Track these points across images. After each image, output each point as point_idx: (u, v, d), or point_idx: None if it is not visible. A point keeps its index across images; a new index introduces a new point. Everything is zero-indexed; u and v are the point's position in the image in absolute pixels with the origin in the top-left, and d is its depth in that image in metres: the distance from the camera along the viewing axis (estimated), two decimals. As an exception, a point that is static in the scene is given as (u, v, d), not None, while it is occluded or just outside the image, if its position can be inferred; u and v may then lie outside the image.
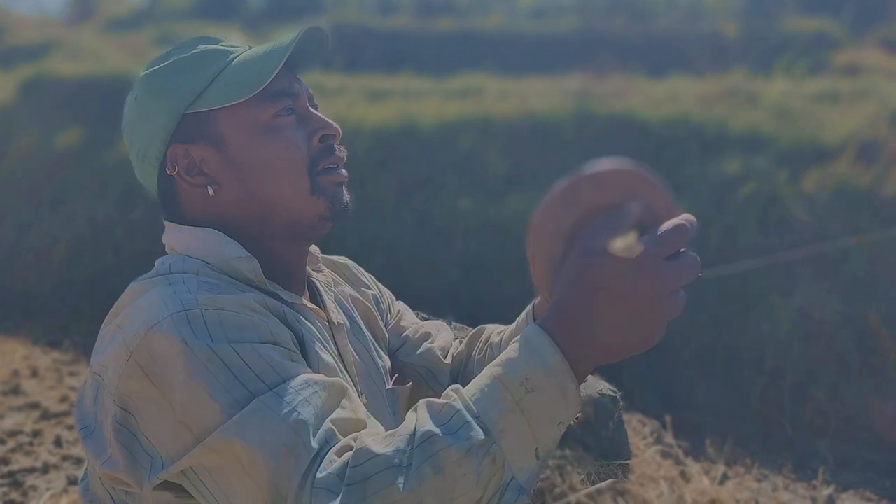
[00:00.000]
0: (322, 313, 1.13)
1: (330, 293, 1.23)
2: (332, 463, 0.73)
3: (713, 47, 11.84)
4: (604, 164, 0.85)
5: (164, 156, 1.09)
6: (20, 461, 4.99)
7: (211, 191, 1.06)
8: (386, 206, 8.42)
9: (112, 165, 8.62)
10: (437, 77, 10.91)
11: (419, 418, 0.76)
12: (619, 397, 2.84)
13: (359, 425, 0.80)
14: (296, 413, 0.76)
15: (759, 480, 4.95)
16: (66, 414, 5.89)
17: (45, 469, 4.85)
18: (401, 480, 0.70)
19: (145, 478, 0.84)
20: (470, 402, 0.77)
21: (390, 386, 1.20)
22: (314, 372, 0.89)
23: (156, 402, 0.83)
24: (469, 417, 0.75)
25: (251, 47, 1.15)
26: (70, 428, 5.59)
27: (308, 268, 1.21)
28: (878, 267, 6.47)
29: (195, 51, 1.13)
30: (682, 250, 0.81)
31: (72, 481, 4.45)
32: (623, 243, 0.74)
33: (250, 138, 1.06)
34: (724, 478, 4.69)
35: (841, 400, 6.04)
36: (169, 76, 1.11)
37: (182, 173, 1.08)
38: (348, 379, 1.07)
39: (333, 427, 0.77)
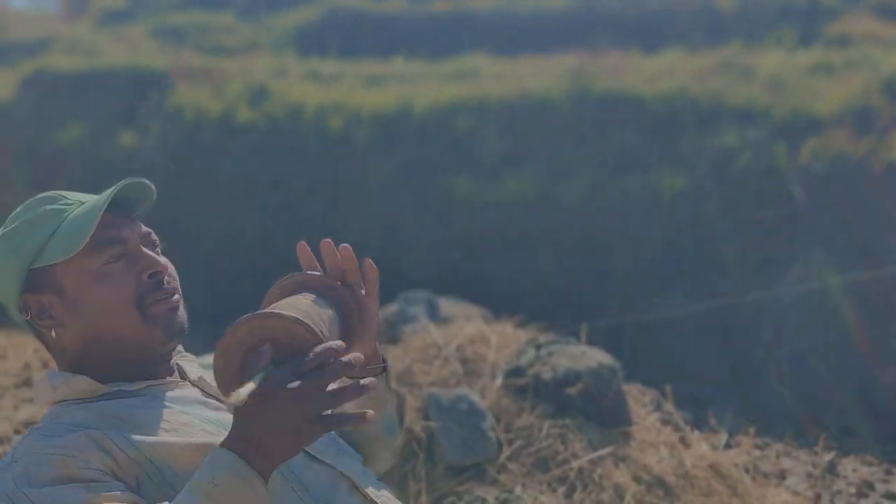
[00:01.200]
0: (175, 379, 1.29)
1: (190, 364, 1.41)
2: None
3: (708, 21, 11.84)
4: (242, 320, 1.02)
5: (21, 304, 1.25)
6: (36, 451, 5.08)
7: (54, 333, 1.24)
8: (385, 188, 8.48)
9: (112, 158, 8.69)
10: (432, 60, 10.93)
11: None
12: (617, 368, 2.93)
13: None
14: None
15: (760, 448, 5.04)
16: (78, 404, 5.99)
17: (61, 458, 4.94)
18: None
19: None
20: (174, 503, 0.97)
21: None
22: (147, 450, 1.11)
23: None
24: None
25: (84, 203, 1.29)
26: (83, 417, 5.68)
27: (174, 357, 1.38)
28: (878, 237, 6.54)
29: (38, 212, 1.26)
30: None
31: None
32: (234, 397, 0.93)
33: (84, 285, 1.22)
34: (727, 446, 4.79)
35: (841, 368, 6.12)
36: (15, 237, 1.25)
37: (35, 318, 1.25)
38: (214, 419, 1.23)
39: None
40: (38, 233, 1.23)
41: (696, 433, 3.11)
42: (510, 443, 2.50)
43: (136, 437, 1.11)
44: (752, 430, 3.25)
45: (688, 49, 9.91)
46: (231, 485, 0.96)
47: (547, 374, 2.74)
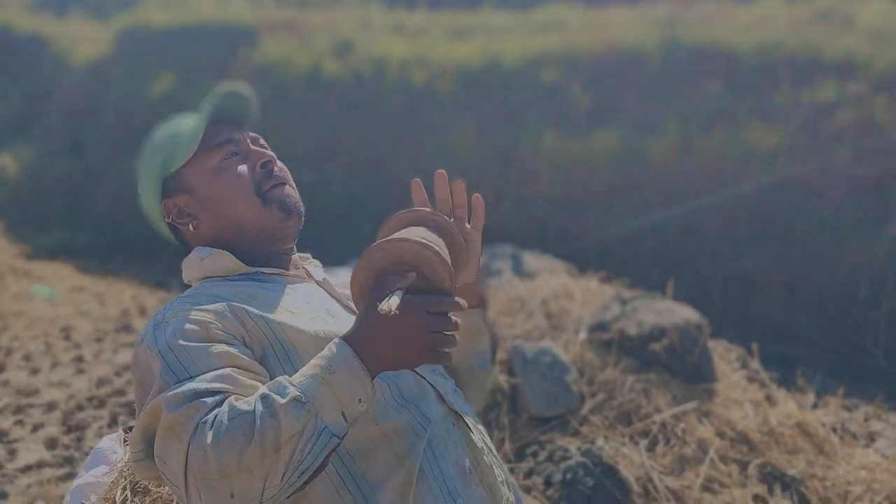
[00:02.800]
0: (303, 275, 1.48)
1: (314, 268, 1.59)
2: (215, 415, 1.06)
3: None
4: (410, 243, 1.14)
5: (162, 211, 1.48)
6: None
7: (192, 227, 1.45)
8: (470, 143, 8.46)
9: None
10: (520, 10, 10.78)
11: (261, 389, 1.09)
12: (704, 324, 2.91)
13: (239, 394, 1.11)
14: (200, 389, 1.10)
15: (849, 410, 4.94)
16: (174, 348, 6.24)
17: (159, 399, 5.16)
18: (249, 421, 1.03)
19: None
20: (292, 379, 1.10)
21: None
22: (273, 325, 1.26)
23: (138, 387, 1.24)
24: (291, 386, 1.08)
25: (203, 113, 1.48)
26: (179, 361, 5.93)
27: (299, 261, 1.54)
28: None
29: (160, 135, 1.50)
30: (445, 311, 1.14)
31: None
32: (385, 305, 1.06)
33: (208, 181, 1.43)
34: (814, 407, 4.70)
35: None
36: (147, 160, 1.49)
37: (175, 219, 1.47)
38: (335, 312, 1.38)
39: (222, 396, 1.10)
40: (163, 149, 1.45)
41: (783, 392, 3.06)
42: (593, 396, 2.52)
43: (268, 315, 1.26)
44: (840, 391, 3.17)
45: (785, -2, 9.52)
46: (345, 375, 1.09)
47: (632, 330, 2.74)
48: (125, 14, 12.06)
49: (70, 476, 3.90)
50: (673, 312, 2.87)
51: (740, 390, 2.78)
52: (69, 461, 4.17)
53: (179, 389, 1.10)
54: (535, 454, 2.32)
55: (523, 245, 5.30)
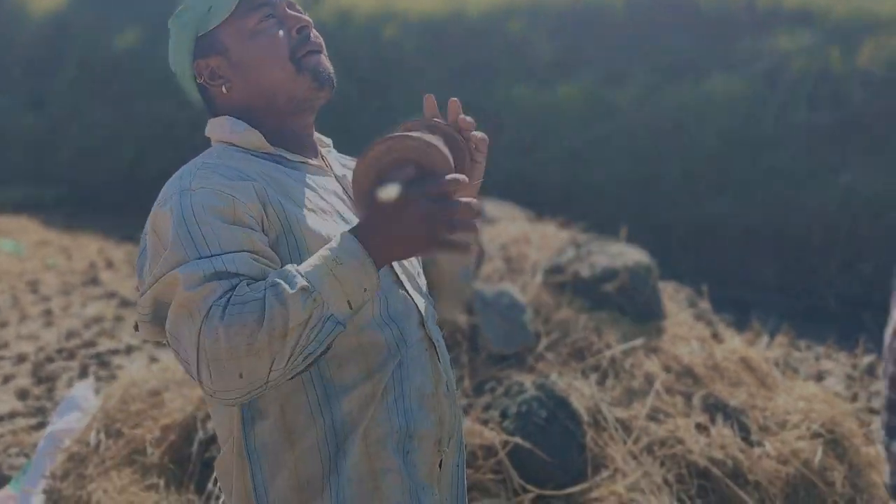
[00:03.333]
0: (325, 167, 1.47)
1: (335, 161, 1.59)
2: (227, 299, 1.11)
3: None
4: (414, 139, 1.16)
5: (193, 70, 1.43)
6: (105, 344, 5.39)
7: (224, 89, 1.41)
8: (437, 93, 8.44)
9: (168, 64, 8.82)
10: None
11: (270, 276, 1.14)
12: (653, 266, 3.04)
13: (252, 279, 1.15)
14: (219, 269, 1.14)
15: (798, 349, 5.15)
16: (143, 301, 6.29)
17: (129, 350, 5.24)
18: (259, 308, 1.09)
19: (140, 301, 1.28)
20: (300, 269, 1.14)
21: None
22: (290, 216, 1.28)
23: (154, 249, 1.23)
24: (299, 276, 1.12)
25: None
26: (149, 314, 5.99)
27: (319, 147, 1.55)
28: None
29: None
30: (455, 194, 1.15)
31: (153, 360, 4.84)
32: (384, 193, 1.12)
33: (243, 43, 1.39)
34: (767, 347, 4.90)
35: (887, 271, 6.12)
36: (181, 15, 1.44)
37: (206, 80, 1.42)
38: (348, 218, 1.39)
39: (236, 280, 1.14)
40: (199, 6, 1.41)
41: (730, 330, 3.22)
42: (548, 334, 2.64)
43: (287, 205, 1.29)
44: (789, 331, 3.33)
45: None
46: (351, 266, 1.14)
47: (585, 272, 2.86)
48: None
49: (42, 425, 3.96)
50: (624, 255, 3.00)
51: (687, 328, 2.93)
52: (41, 411, 4.24)
53: (198, 268, 1.14)
54: (492, 389, 2.45)
55: (490, 193, 5.40)
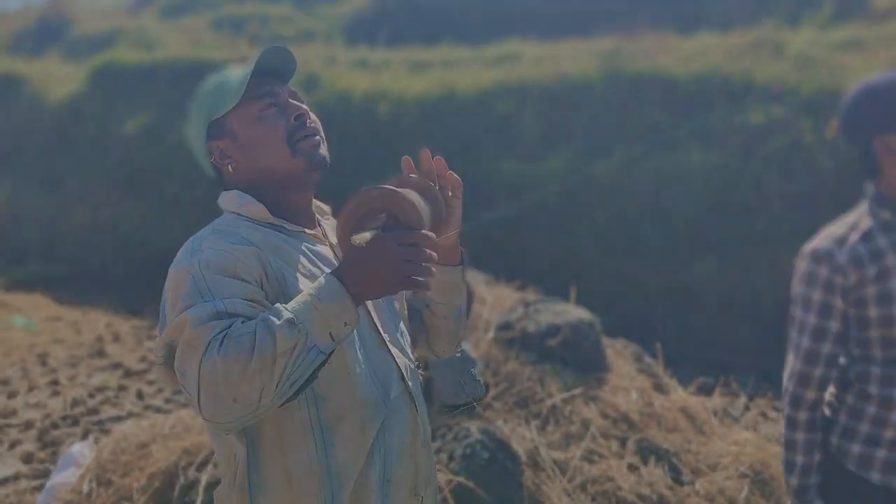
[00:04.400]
0: (321, 237, 1.66)
1: (331, 229, 1.81)
2: (225, 334, 1.28)
3: (752, -2, 11.91)
4: (379, 190, 1.34)
5: (207, 150, 1.65)
6: (107, 411, 5.63)
7: (231, 168, 1.62)
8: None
9: (177, 146, 9.25)
10: (477, 45, 11.27)
11: (261, 314, 1.32)
12: (596, 322, 3.31)
13: (248, 319, 1.33)
14: (219, 310, 1.33)
15: (777, 409, 5.34)
16: (146, 372, 6.54)
17: (130, 416, 5.45)
18: (251, 339, 1.25)
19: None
20: (288, 306, 1.32)
21: None
22: (286, 279, 1.47)
23: (171, 303, 1.42)
24: (286, 311, 1.29)
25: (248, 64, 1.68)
26: (151, 383, 6.24)
27: (317, 215, 1.76)
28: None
29: (211, 83, 1.67)
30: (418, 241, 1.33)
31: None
32: (359, 237, 1.30)
33: (248, 128, 1.60)
34: (745, 409, 5.11)
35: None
36: (199, 103, 1.66)
37: (217, 159, 1.63)
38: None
39: (234, 319, 1.32)
40: (213, 96, 1.64)
41: (673, 380, 3.47)
42: (496, 385, 2.91)
43: (285, 270, 1.49)
44: (722, 380, 3.57)
45: (725, 28, 10.05)
46: (332, 302, 1.31)
47: (532, 328, 3.14)
48: (99, 55, 12.46)
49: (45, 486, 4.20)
50: (568, 313, 3.28)
51: (629, 379, 3.17)
52: (44, 473, 4.45)
53: (201, 310, 1.32)
54: (443, 436, 2.71)
55: (480, 264, 5.69)
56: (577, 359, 3.09)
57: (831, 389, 2.11)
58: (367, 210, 1.34)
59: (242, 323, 1.30)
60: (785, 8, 10.82)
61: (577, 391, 2.92)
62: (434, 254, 1.33)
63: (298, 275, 1.50)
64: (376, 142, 9.36)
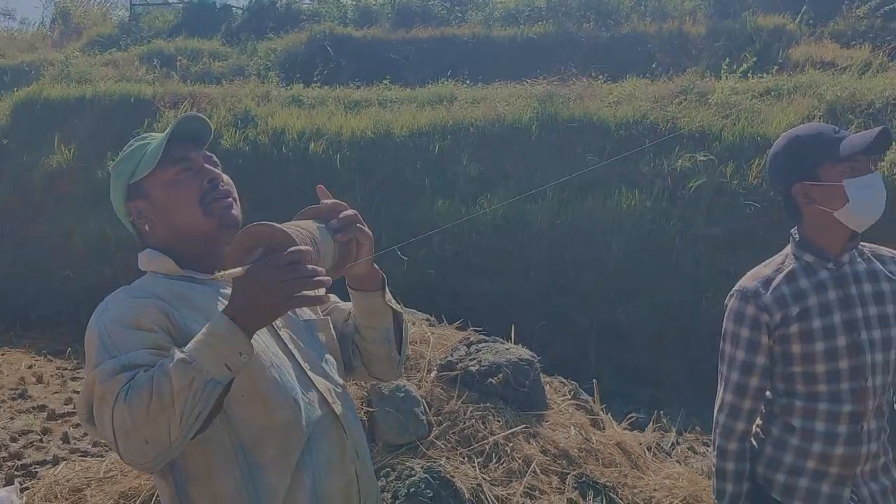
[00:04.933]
0: (230, 282, 1.66)
1: None
2: (129, 385, 1.39)
3: (677, 47, 12.36)
4: (249, 226, 1.45)
5: (126, 210, 1.75)
6: (32, 455, 5.42)
7: (147, 227, 1.73)
8: (365, 209, 8.83)
9: (103, 182, 9.09)
10: (413, 86, 11.41)
11: (160, 361, 1.42)
12: (535, 361, 3.38)
13: (151, 366, 1.42)
14: (124, 364, 1.44)
15: (706, 445, 5.49)
16: (71, 414, 6.31)
17: (56, 461, 5.27)
18: (149, 384, 1.37)
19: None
20: (184, 348, 1.41)
21: (310, 318, 1.85)
22: (188, 325, 1.56)
23: (87, 363, 1.52)
24: (179, 352, 1.40)
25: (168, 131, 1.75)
26: (77, 426, 6.04)
27: None
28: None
29: (132, 148, 1.78)
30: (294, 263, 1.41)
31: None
32: (228, 272, 1.39)
33: (163, 190, 1.71)
34: (675, 444, 5.24)
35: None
36: (119, 166, 1.77)
37: (135, 219, 1.74)
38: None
39: (138, 370, 1.42)
40: (132, 159, 1.74)
41: (609, 417, 3.56)
42: (439, 424, 2.94)
43: (188, 314, 1.59)
44: (656, 414, 3.66)
45: (653, 76, 10.41)
46: (223, 336, 1.40)
47: (473, 367, 3.19)
48: (23, 86, 12.19)
49: (-35, 534, 4.03)
50: (509, 352, 3.35)
51: (567, 416, 3.25)
52: (-36, 521, 4.29)
53: (109, 365, 1.44)
54: (386, 475, 2.72)
55: (416, 305, 5.72)
56: (518, 397, 3.15)
57: (758, 421, 2.22)
58: (241, 247, 1.44)
59: (145, 371, 1.41)
60: (708, 58, 11.29)
61: (518, 428, 2.97)
62: (319, 268, 1.42)
63: (203, 318, 1.58)
64: (310, 180, 9.30)
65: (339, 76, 12.84)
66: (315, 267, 1.42)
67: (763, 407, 2.20)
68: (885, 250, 2.21)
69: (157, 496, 2.84)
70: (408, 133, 9.42)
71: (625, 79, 10.26)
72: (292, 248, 1.40)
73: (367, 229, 1.67)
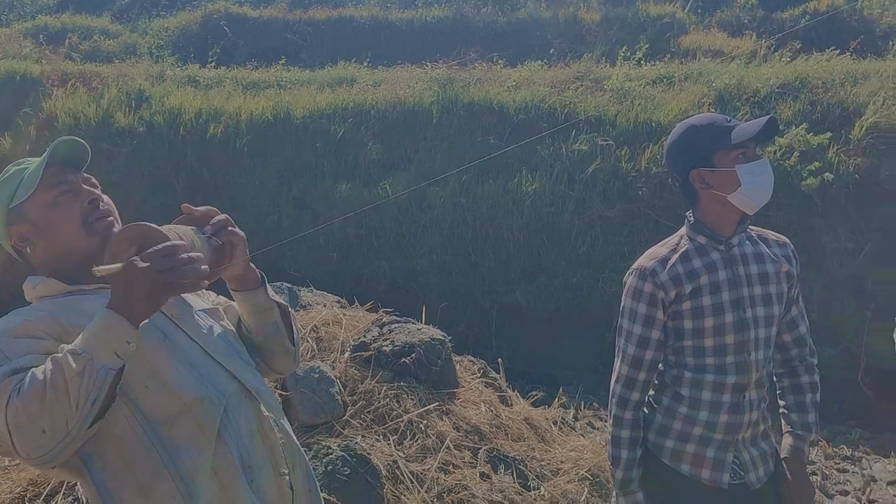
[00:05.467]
0: None
1: None
2: (20, 385, 1.44)
3: (573, 33, 12.66)
4: (127, 227, 1.55)
5: (7, 234, 1.77)
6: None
7: (29, 250, 1.76)
8: (266, 192, 8.81)
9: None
10: (311, 67, 11.31)
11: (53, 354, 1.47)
12: (447, 340, 3.48)
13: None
14: (14, 367, 1.49)
15: (602, 419, 5.73)
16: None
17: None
18: (42, 377, 1.42)
19: None
20: (74, 342, 1.48)
21: (207, 307, 1.91)
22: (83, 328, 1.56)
23: None
24: (68, 346, 1.47)
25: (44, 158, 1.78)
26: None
27: None
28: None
29: (10, 173, 1.80)
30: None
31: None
32: (104, 268, 1.48)
33: (44, 213, 1.74)
34: (574, 419, 5.45)
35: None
36: None
37: (17, 243, 1.77)
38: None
39: (27, 373, 1.46)
40: (11, 184, 1.76)
41: (516, 393, 3.69)
42: (354, 403, 3.00)
43: (79, 320, 1.60)
44: (560, 390, 3.83)
45: (550, 61, 10.64)
46: (108, 326, 1.47)
47: (387, 347, 3.26)
48: None
49: None
50: (422, 332, 3.43)
51: (478, 393, 3.36)
52: None
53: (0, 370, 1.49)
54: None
55: (318, 286, 5.73)
56: (431, 376, 3.24)
57: (650, 391, 2.38)
58: (119, 245, 1.53)
59: (36, 369, 1.46)
60: (603, 45, 11.62)
61: (431, 406, 3.06)
62: (195, 255, 1.51)
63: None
64: (208, 162, 9.19)
65: (235, 57, 12.59)
66: (191, 254, 1.50)
67: (655, 378, 2.36)
68: (770, 234, 2.39)
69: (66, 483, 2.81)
70: (308, 115, 9.35)
71: (523, 64, 10.45)
72: (167, 243, 1.49)
73: (239, 231, 1.78)
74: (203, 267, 1.51)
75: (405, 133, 9.04)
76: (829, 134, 7.44)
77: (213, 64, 11.48)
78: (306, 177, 8.96)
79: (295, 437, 1.86)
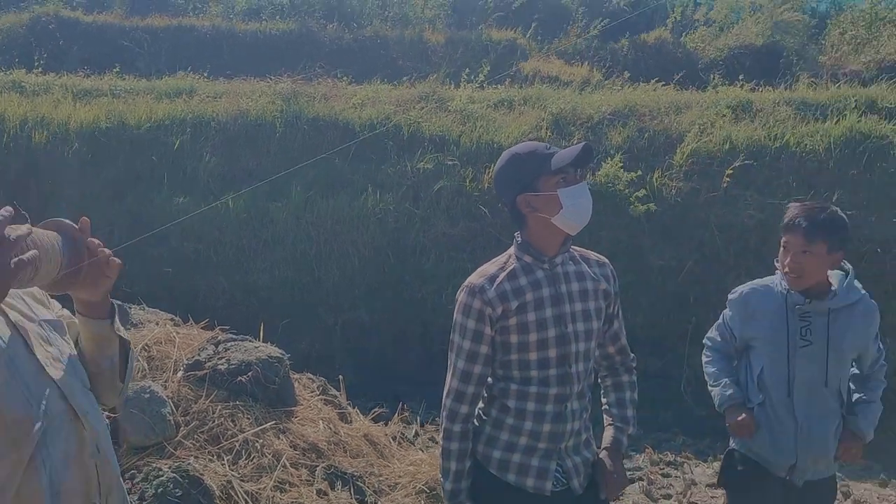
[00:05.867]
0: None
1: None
2: None
3: (419, 53, 12.85)
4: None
5: None
6: None
7: None
8: (97, 204, 8.38)
9: None
10: (148, 76, 10.90)
11: None
12: (284, 358, 3.45)
13: None
14: None
15: (437, 437, 5.80)
16: None
17: None
18: None
19: None
20: None
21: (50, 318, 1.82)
22: None
23: None
24: None
25: None
26: None
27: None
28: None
29: None
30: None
31: None
32: None
33: None
34: (415, 435, 5.49)
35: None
36: None
37: None
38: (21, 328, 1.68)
39: None
40: None
41: (356, 410, 3.70)
42: (187, 424, 2.91)
43: None
44: (401, 405, 3.87)
45: (395, 80, 10.75)
46: None
47: (222, 366, 3.19)
48: None
49: None
50: (259, 350, 3.38)
51: (316, 411, 3.34)
52: None
53: None
54: (132, 477, 2.65)
55: (153, 302, 5.50)
56: (268, 394, 3.19)
57: (480, 404, 2.46)
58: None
59: None
60: (448, 66, 11.86)
61: (268, 425, 3.01)
62: (19, 229, 1.45)
63: None
64: (35, 172, 8.67)
65: (65, 63, 11.94)
66: (17, 234, 1.43)
67: (485, 391, 2.44)
68: (591, 254, 2.54)
69: None
70: (144, 125, 9.00)
71: (369, 81, 10.51)
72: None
73: (108, 251, 1.75)
74: (14, 260, 1.43)
75: (247, 146, 8.87)
76: (638, 172, 7.83)
77: (40, 69, 10.85)
78: (141, 188, 8.62)
79: (117, 464, 1.80)
